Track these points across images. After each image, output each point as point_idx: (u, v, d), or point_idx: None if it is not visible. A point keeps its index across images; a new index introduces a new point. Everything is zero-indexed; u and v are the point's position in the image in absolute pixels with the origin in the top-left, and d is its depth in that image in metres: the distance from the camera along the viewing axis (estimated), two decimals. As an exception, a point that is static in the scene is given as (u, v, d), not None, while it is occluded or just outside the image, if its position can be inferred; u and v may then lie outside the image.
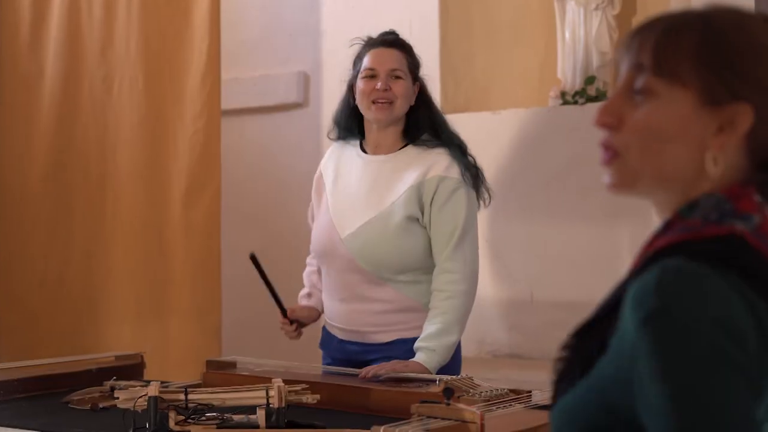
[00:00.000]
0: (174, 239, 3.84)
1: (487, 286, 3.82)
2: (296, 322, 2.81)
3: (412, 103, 2.74)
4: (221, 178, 3.80)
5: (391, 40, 2.77)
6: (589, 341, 1.14)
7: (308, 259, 2.96)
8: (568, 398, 1.14)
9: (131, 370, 2.89)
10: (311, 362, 2.82)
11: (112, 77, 3.95)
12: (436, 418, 1.78)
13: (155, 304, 3.86)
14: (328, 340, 2.84)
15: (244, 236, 4.66)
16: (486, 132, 3.91)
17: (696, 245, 1.08)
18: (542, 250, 3.87)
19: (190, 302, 3.80)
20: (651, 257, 1.10)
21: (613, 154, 1.17)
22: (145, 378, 2.83)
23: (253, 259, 2.70)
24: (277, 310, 2.78)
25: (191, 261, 3.80)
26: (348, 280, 2.71)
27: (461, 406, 1.77)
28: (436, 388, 2.20)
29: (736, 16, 1.14)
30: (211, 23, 3.76)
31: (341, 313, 2.76)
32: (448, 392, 1.82)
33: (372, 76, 2.71)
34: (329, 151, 2.90)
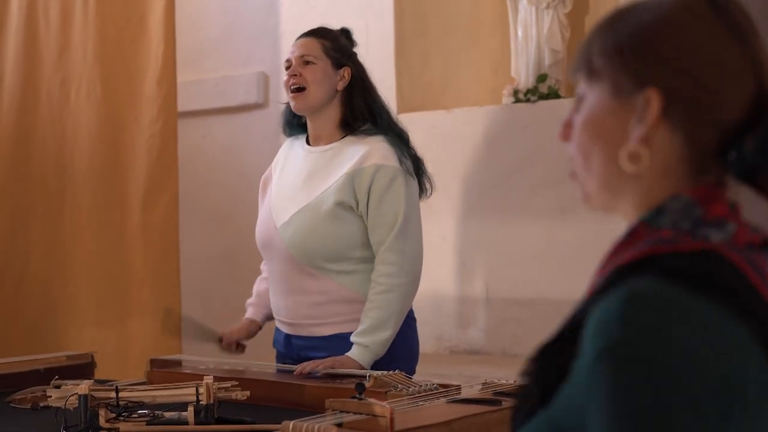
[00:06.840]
0: (133, 241, 3.89)
1: (444, 283, 3.87)
2: (234, 342, 2.87)
3: (339, 88, 2.70)
4: (179, 180, 3.85)
5: (309, 31, 2.76)
6: (548, 366, 1.02)
7: (262, 264, 2.97)
8: (526, 429, 1.02)
9: (82, 369, 2.91)
10: (268, 360, 2.87)
11: (70, 82, 4.00)
12: (348, 412, 1.82)
13: (115, 304, 3.91)
14: (277, 336, 2.86)
15: (207, 236, 4.71)
16: (441, 131, 3.96)
17: (669, 261, 0.95)
18: (497, 247, 3.91)
19: (149, 302, 3.84)
20: (617, 273, 0.98)
21: (572, 170, 1.09)
22: (99, 378, 2.87)
23: (188, 320, 2.80)
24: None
25: (150, 262, 3.85)
26: (285, 271, 2.71)
27: (372, 400, 1.81)
28: (368, 384, 2.24)
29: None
30: (166, 29, 3.81)
31: (283, 307, 2.76)
32: (360, 387, 1.87)
33: (288, 67, 2.72)
34: (281, 149, 2.91)
